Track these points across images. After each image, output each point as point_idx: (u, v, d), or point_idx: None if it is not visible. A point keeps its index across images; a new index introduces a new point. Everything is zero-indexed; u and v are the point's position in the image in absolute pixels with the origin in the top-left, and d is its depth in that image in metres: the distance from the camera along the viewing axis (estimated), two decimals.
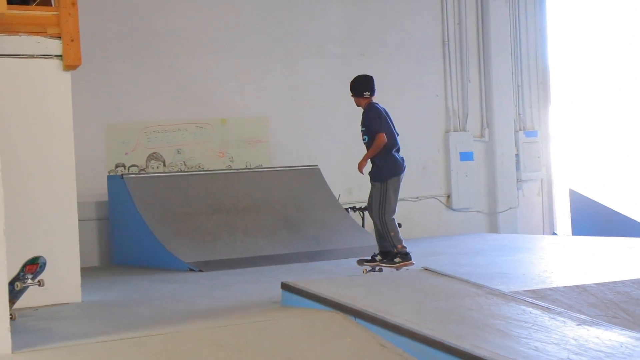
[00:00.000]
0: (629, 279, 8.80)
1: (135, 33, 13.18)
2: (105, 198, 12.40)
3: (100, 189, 12.39)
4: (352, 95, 9.93)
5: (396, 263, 9.52)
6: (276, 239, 12.09)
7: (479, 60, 15.91)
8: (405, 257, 9.54)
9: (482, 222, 15.86)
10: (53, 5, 8.61)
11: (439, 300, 7.64)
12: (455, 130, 15.66)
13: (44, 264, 7.66)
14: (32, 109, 8.49)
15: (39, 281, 7.56)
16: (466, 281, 8.25)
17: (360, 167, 9.75)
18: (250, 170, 12.11)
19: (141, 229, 11.63)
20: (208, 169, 13.26)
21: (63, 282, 8.46)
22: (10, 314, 6.62)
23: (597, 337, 6.81)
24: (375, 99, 9.87)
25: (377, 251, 9.76)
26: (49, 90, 8.56)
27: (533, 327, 6.92)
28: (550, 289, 8.29)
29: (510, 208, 15.98)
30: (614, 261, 10.55)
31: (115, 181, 12.20)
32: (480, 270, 9.83)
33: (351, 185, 13.95)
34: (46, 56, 8.48)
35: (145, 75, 13.20)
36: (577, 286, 8.42)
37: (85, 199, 11.53)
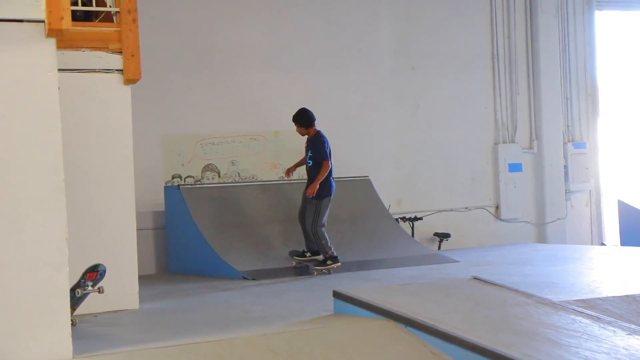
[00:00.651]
0: None
1: (192, 49, 13.35)
2: (162, 208, 12.56)
3: (157, 199, 12.57)
4: (301, 126, 11.17)
5: (328, 265, 11.05)
6: None
7: (527, 72, 15.91)
8: (335, 259, 11.10)
9: (531, 232, 15.81)
10: (115, 22, 8.77)
11: (489, 309, 7.61)
12: (504, 142, 15.65)
13: (104, 271, 7.81)
14: (94, 122, 8.66)
15: (98, 288, 7.70)
16: (516, 290, 8.22)
17: (313, 191, 10.93)
18: (303, 180, 12.20)
19: (196, 238, 11.78)
20: (261, 180, 13.41)
21: (122, 289, 8.60)
22: (72, 320, 6.73)
23: None
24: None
25: (306, 248, 11.31)
26: (110, 103, 8.73)
27: (583, 336, 6.87)
28: (599, 299, 8.25)
29: (559, 219, 15.94)
30: None
31: (172, 191, 12.37)
32: (530, 279, 9.82)
33: (401, 196, 14.04)
34: (107, 70, 8.66)
35: (201, 89, 13.36)
36: (626, 296, 8.38)
37: (143, 208, 11.64)
